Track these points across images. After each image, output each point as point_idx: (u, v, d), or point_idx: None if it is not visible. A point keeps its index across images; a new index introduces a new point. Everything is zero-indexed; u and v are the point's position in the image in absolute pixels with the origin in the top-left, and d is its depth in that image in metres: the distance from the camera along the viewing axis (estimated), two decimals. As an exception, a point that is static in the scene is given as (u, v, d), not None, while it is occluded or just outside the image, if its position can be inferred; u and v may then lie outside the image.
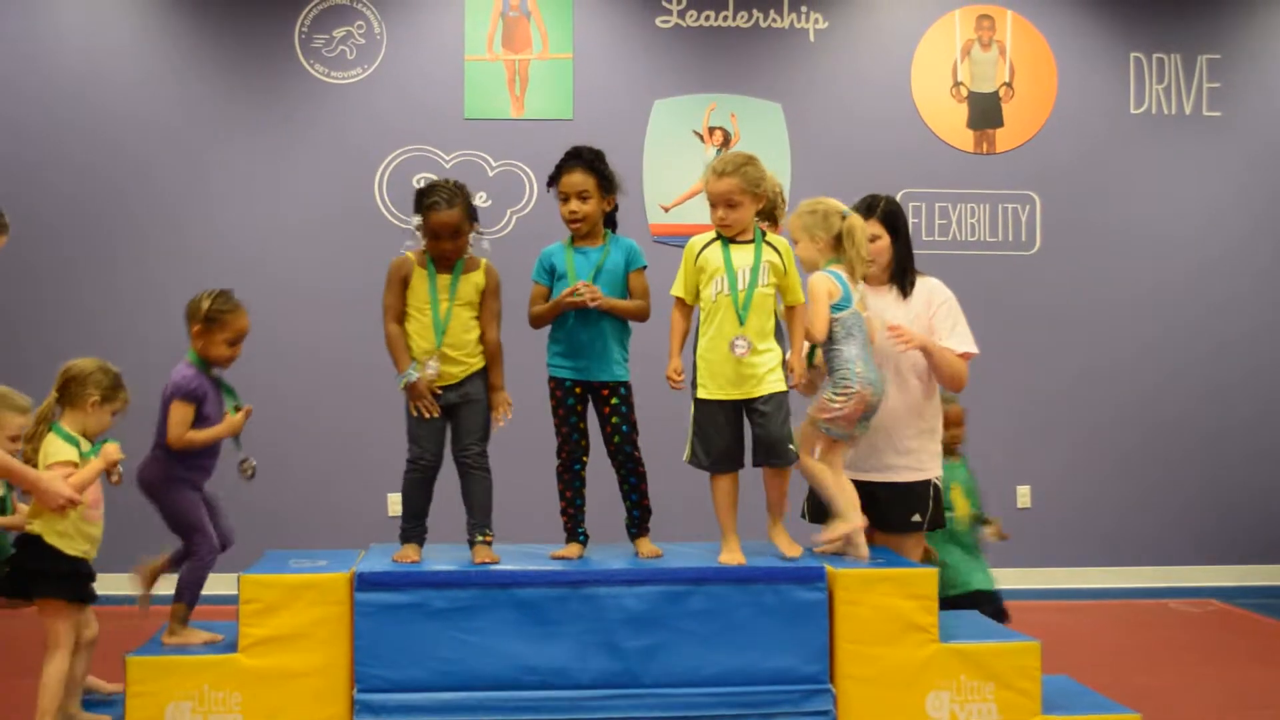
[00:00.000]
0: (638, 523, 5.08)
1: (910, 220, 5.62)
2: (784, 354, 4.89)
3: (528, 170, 8.97)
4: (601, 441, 5.03)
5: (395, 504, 8.22)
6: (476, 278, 4.95)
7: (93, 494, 4.87)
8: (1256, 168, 9.62)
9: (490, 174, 8.93)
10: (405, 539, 4.97)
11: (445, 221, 4.85)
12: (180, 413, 4.81)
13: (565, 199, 4.96)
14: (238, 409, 4.97)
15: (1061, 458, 9.34)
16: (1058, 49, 9.52)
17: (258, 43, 9.11)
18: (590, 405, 5.03)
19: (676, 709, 4.67)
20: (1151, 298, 9.49)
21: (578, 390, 4.98)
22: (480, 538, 4.91)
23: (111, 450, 4.85)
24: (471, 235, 4.96)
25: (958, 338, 5.30)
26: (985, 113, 9.48)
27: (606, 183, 4.97)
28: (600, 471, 5.10)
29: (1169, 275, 9.50)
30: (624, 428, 4.98)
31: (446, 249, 4.89)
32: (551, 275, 5.01)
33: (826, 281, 4.94)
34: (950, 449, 5.78)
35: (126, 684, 4.66)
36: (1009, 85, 9.49)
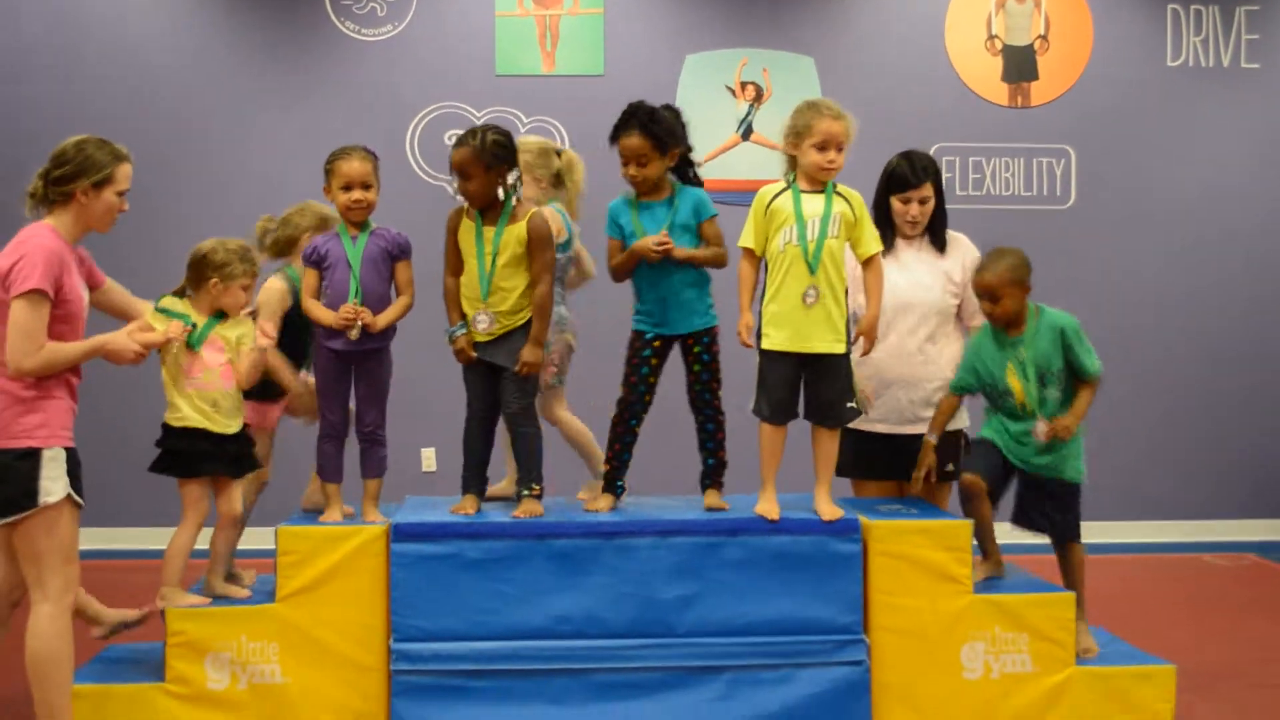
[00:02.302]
0: (711, 473, 5.07)
1: (944, 175, 5.60)
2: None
3: (560, 126, 8.96)
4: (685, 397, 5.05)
5: (430, 459, 8.37)
6: (519, 229, 4.87)
7: (197, 366, 4.78)
8: (1295, 120, 9.55)
9: (522, 130, 8.90)
10: (465, 489, 5.02)
11: (456, 160, 4.87)
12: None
13: (624, 162, 4.92)
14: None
15: (1098, 413, 9.25)
16: (1093, 1, 9.44)
17: (289, 2, 9.13)
18: (667, 361, 5.00)
19: (710, 658, 4.72)
20: (1189, 252, 9.43)
21: (657, 344, 4.95)
22: (526, 492, 4.93)
23: (174, 328, 4.72)
24: (510, 182, 4.91)
25: None
26: (1020, 66, 9.41)
27: (663, 141, 4.87)
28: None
29: (1206, 230, 9.44)
30: (704, 375, 4.97)
31: (466, 190, 4.87)
32: (623, 231, 4.97)
33: (556, 220, 5.03)
34: (998, 324, 5.21)
35: (166, 634, 4.73)
36: (1044, 38, 9.42)
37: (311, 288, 4.93)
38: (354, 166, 4.89)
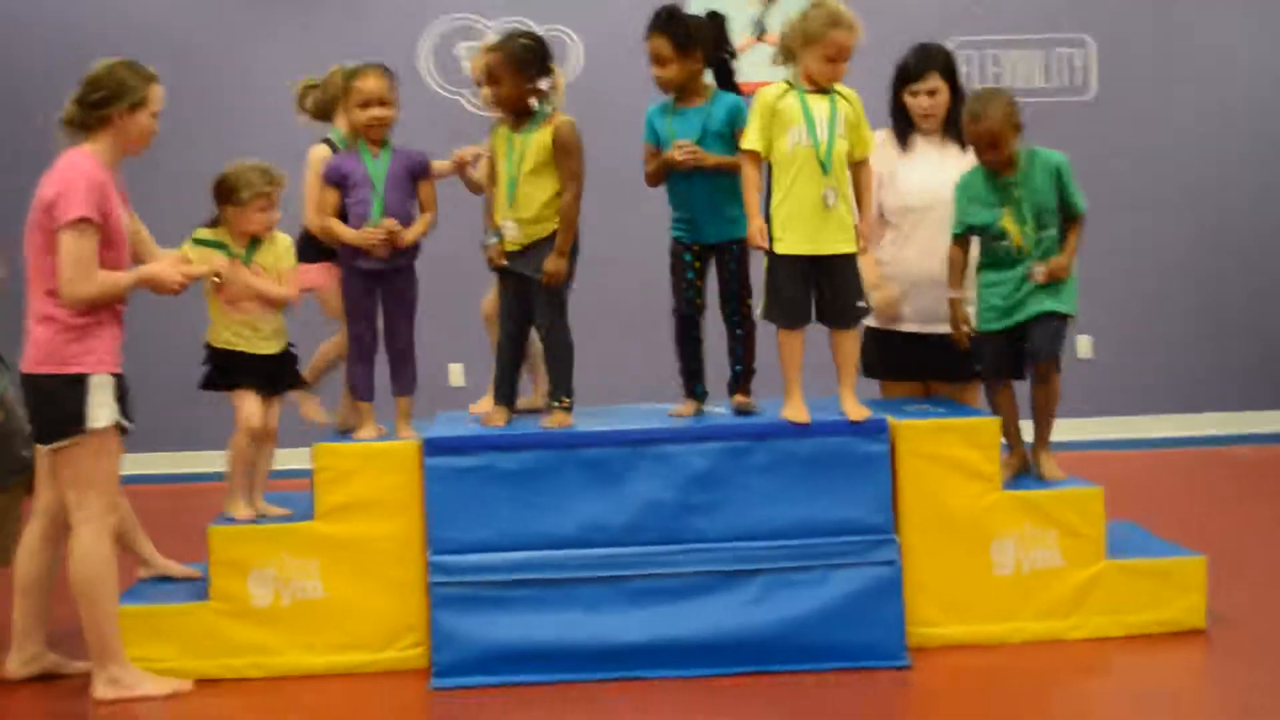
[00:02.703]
0: (738, 380, 5.07)
1: (962, 69, 5.57)
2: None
3: (573, 34, 8.91)
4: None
5: (457, 374, 8.44)
6: (544, 136, 4.85)
7: (236, 292, 4.86)
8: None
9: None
10: (495, 398, 5.07)
11: (486, 64, 4.90)
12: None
13: (652, 62, 4.90)
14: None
15: (1125, 307, 9.31)
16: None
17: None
18: (710, 265, 5.01)
19: (743, 562, 4.77)
20: (1214, 140, 9.38)
21: (695, 248, 4.97)
22: (557, 403, 4.97)
23: (219, 262, 4.81)
24: (541, 88, 4.89)
25: None
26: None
27: (682, 43, 4.84)
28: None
29: (1233, 113, 9.37)
30: (733, 285, 4.97)
31: (497, 96, 4.89)
32: (658, 136, 4.97)
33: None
34: (995, 167, 5.11)
35: (209, 554, 4.82)
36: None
37: (332, 205, 4.96)
38: (370, 84, 4.90)
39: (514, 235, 4.87)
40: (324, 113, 5.39)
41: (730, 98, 4.97)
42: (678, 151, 4.81)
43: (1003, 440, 5.03)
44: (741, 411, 5.01)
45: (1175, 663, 4.73)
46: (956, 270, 5.18)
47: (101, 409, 4.48)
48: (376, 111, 4.90)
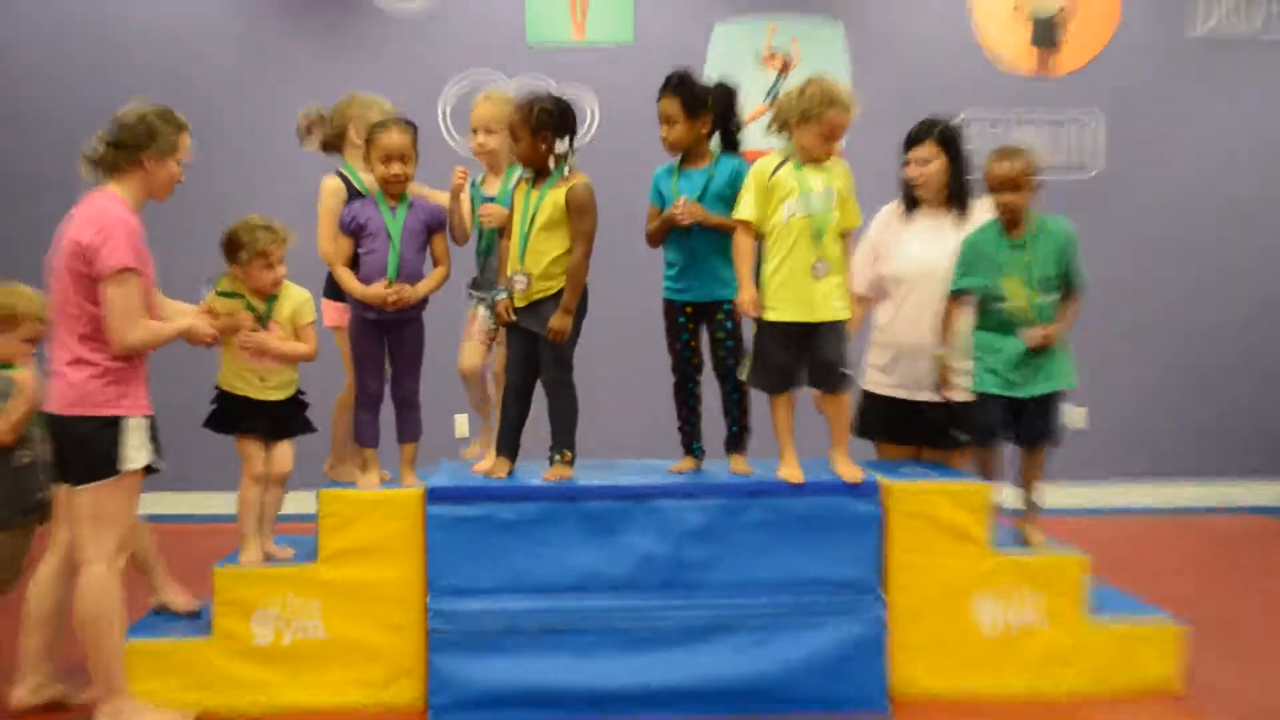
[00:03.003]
0: (734, 440, 5.18)
1: (970, 143, 5.67)
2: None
3: (590, 94, 9.02)
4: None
5: (463, 425, 8.50)
6: (558, 195, 4.93)
7: (255, 350, 4.95)
8: (1322, 87, 9.57)
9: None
10: (498, 451, 5.14)
11: (510, 123, 5.00)
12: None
13: (660, 124, 5.02)
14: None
15: (1118, 380, 9.35)
16: (1121, -33, 9.48)
17: (323, -26, 9.26)
18: (702, 326, 5.11)
19: (735, 613, 4.85)
20: (1213, 221, 9.44)
21: (688, 310, 5.08)
22: (558, 456, 5.05)
23: (244, 319, 4.91)
24: (559, 151, 4.96)
25: None
26: (1046, 34, 9.43)
27: (692, 105, 4.96)
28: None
29: (1229, 193, 9.43)
30: (728, 343, 5.07)
31: (516, 151, 5.01)
32: (662, 198, 5.09)
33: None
34: (1008, 219, 5.19)
35: (214, 593, 4.90)
36: (1071, 5, 9.44)
37: (345, 254, 5.04)
38: (394, 139, 4.96)
39: (523, 288, 4.94)
40: (333, 145, 5.49)
41: (733, 160, 5.07)
42: (679, 208, 4.93)
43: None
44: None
45: (1153, 724, 4.82)
46: (946, 326, 5.25)
47: (137, 450, 4.52)
48: (397, 168, 4.97)
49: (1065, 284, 5.17)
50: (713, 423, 5.26)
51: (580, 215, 4.93)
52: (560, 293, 4.95)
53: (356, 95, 5.41)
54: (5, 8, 9.20)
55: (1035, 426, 5.18)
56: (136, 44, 9.10)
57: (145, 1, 9.18)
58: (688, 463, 5.22)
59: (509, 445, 5.15)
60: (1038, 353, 5.11)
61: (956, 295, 5.25)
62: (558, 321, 4.93)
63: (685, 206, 4.92)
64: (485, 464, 5.17)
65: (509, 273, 4.99)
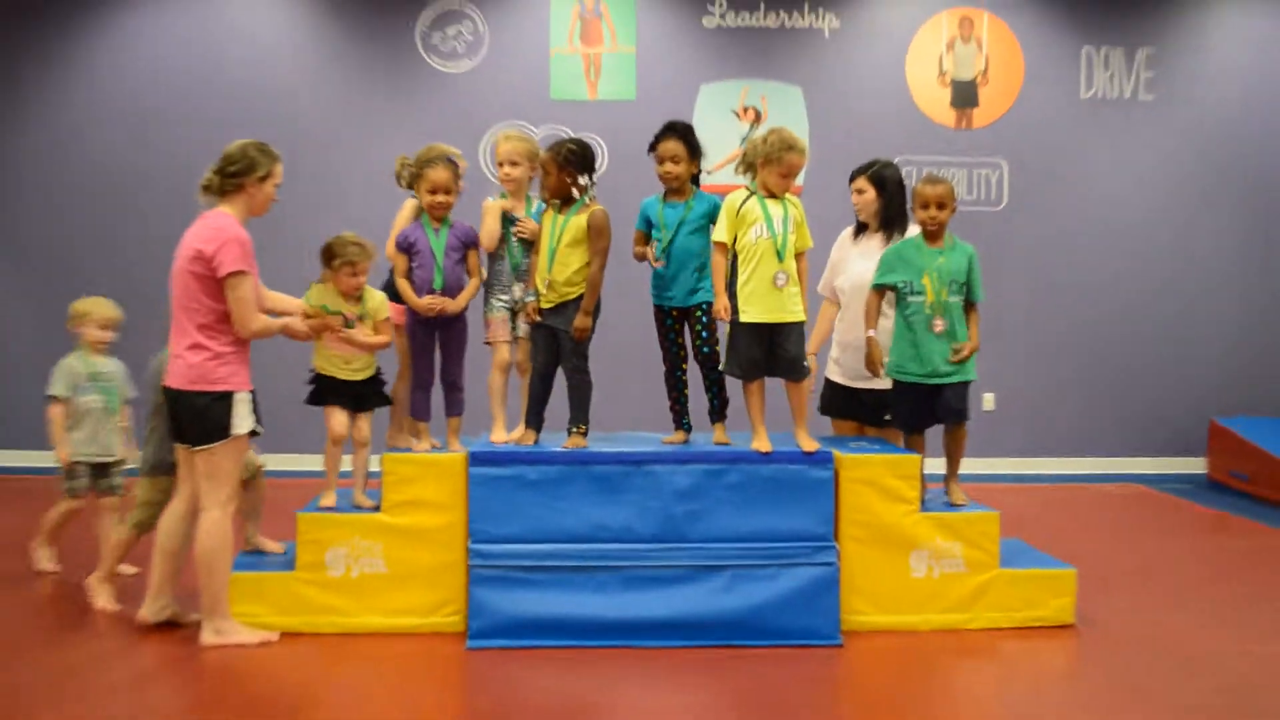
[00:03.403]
0: (717, 410, 5.11)
1: (905, 182, 5.59)
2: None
3: (601, 141, 8.98)
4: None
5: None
6: (580, 220, 4.90)
7: (341, 342, 4.88)
8: (1181, 141, 9.51)
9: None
10: (527, 424, 5.07)
11: (540, 160, 4.98)
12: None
13: (661, 161, 4.96)
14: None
15: (1020, 372, 9.36)
16: (1024, 43, 9.42)
17: (388, 41, 9.17)
18: (685, 324, 5.05)
19: (714, 559, 4.79)
20: (1095, 241, 9.44)
21: (674, 313, 5.02)
22: (575, 429, 4.98)
23: (335, 321, 4.83)
24: (581, 184, 4.93)
25: None
26: (965, 95, 9.41)
27: (693, 150, 4.96)
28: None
29: (1109, 224, 9.44)
30: (704, 334, 5.01)
31: (544, 183, 4.95)
32: (649, 223, 5.03)
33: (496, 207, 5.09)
34: (929, 232, 5.11)
35: (297, 535, 4.83)
36: (984, 73, 9.41)
37: (403, 269, 4.98)
38: (439, 174, 4.94)
39: (546, 293, 4.92)
40: (412, 182, 5.39)
41: (712, 196, 5.03)
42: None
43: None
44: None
45: (1049, 649, 4.75)
46: (871, 313, 5.14)
47: (243, 420, 4.56)
48: (441, 198, 4.94)
49: (968, 298, 5.08)
50: (698, 403, 5.15)
51: (598, 236, 4.91)
52: (580, 297, 4.91)
53: (433, 145, 5.31)
54: (140, 67, 9.12)
55: (951, 408, 5.08)
56: (238, 94, 9.05)
57: (245, 59, 9.13)
58: (678, 435, 5.14)
59: (536, 419, 5.10)
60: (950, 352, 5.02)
61: (878, 289, 5.15)
62: (580, 321, 4.90)
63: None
64: (515, 434, 5.08)
65: (538, 282, 4.93)
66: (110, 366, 5.64)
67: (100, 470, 5.61)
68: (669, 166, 4.96)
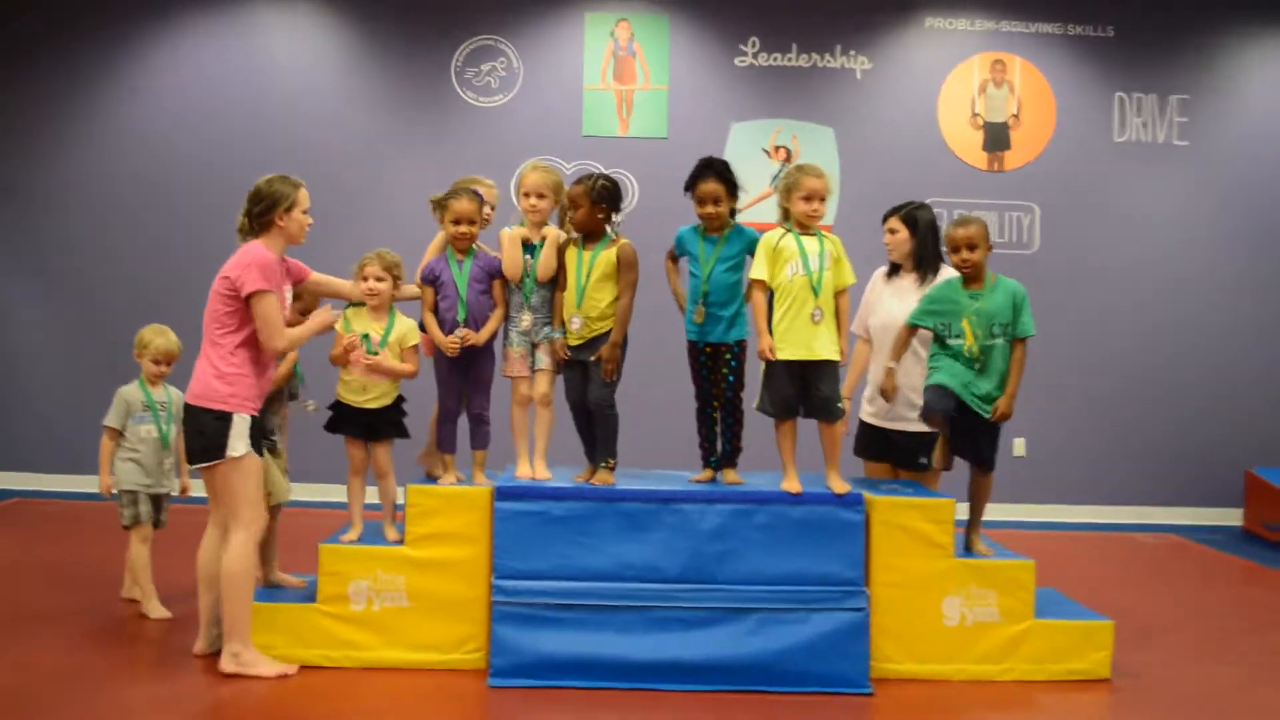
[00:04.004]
0: (728, 457, 4.99)
1: (938, 224, 5.49)
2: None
3: (632, 177, 8.95)
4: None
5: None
6: (610, 254, 4.84)
7: (354, 356, 4.84)
8: (1213, 187, 9.41)
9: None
10: (589, 460, 4.98)
11: (571, 193, 4.87)
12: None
13: (703, 203, 4.85)
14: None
15: (1053, 418, 9.22)
16: (1057, 88, 9.35)
17: (424, 76, 9.17)
18: (717, 361, 4.92)
19: (742, 601, 4.68)
20: (1128, 285, 9.32)
21: (707, 349, 4.90)
22: (603, 464, 4.88)
23: (349, 341, 4.83)
24: (612, 220, 4.88)
25: None
26: (997, 138, 9.33)
27: (733, 188, 4.86)
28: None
29: (1142, 268, 9.33)
30: (730, 378, 4.88)
31: (573, 217, 4.86)
32: (683, 252, 4.92)
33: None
34: (966, 275, 4.97)
35: (319, 567, 4.76)
36: (1016, 116, 9.34)
37: (429, 303, 4.92)
38: (463, 206, 4.89)
39: (579, 328, 4.83)
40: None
41: (751, 231, 4.93)
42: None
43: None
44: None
45: (1085, 703, 4.60)
46: (899, 346, 5.03)
47: (239, 440, 4.54)
48: (464, 228, 4.89)
49: (1015, 333, 4.93)
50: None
51: (629, 269, 4.85)
52: (609, 332, 4.82)
53: (470, 178, 5.24)
54: (183, 96, 9.16)
55: (980, 451, 4.96)
56: (277, 125, 9.09)
57: (285, 90, 9.16)
58: (706, 474, 5.03)
59: (591, 452, 5.00)
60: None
61: (912, 327, 5.03)
62: (608, 352, 4.81)
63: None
64: (541, 472, 4.95)
65: (567, 317, 4.85)
66: (167, 396, 5.57)
67: (154, 502, 5.51)
68: (710, 209, 4.85)
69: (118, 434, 5.47)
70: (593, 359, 4.83)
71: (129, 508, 5.45)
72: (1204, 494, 9.29)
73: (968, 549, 4.99)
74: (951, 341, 4.91)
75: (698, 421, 5.04)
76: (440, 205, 4.95)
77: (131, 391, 5.52)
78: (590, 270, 4.84)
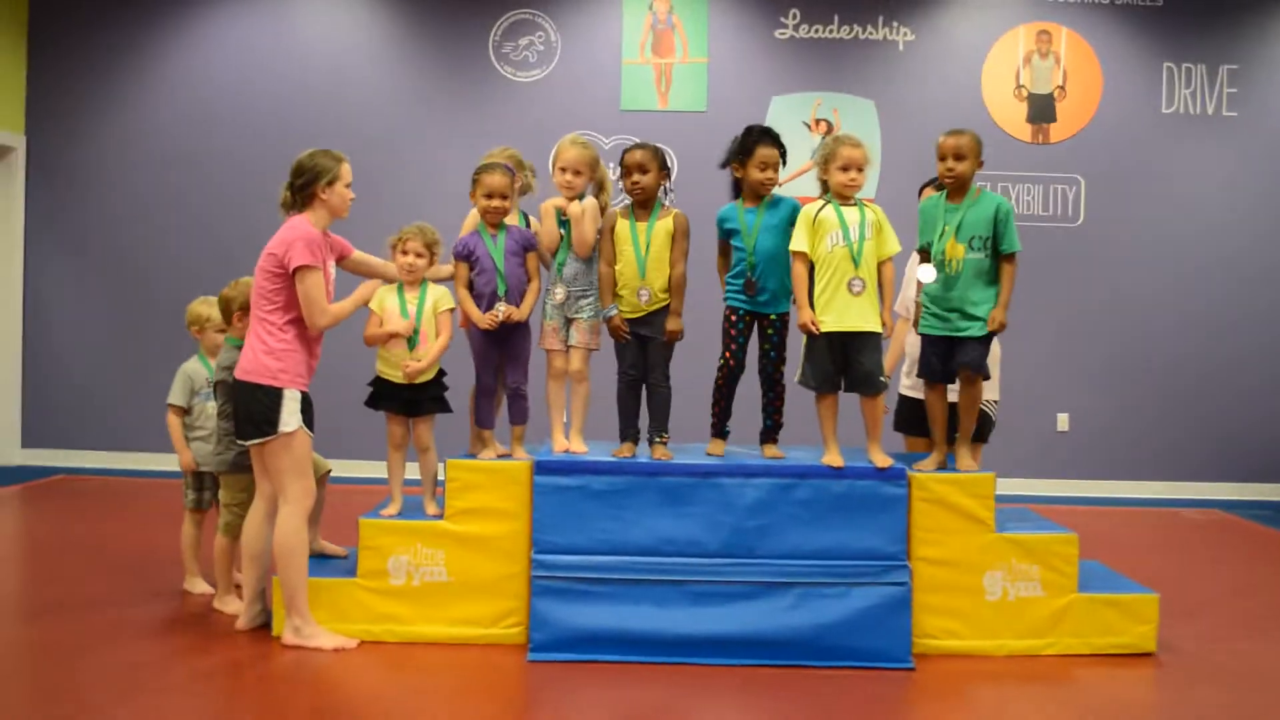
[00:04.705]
0: (770, 431, 4.97)
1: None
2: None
3: (670, 151, 8.84)
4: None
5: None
6: (668, 223, 4.82)
7: (388, 329, 4.87)
8: (1264, 159, 9.23)
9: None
10: (623, 438, 4.95)
11: (637, 158, 4.81)
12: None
13: (764, 168, 4.81)
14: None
15: (1095, 392, 9.14)
16: (1104, 58, 9.20)
17: (461, 50, 9.16)
18: (753, 331, 4.90)
19: (783, 576, 4.66)
20: (1175, 259, 9.19)
21: (747, 316, 4.87)
22: (658, 439, 4.88)
23: (401, 327, 4.85)
24: (662, 188, 4.85)
25: None
26: (1042, 110, 9.20)
27: (784, 156, 4.86)
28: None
29: (1189, 242, 9.20)
30: (773, 354, 4.87)
31: (641, 182, 4.80)
32: (728, 232, 4.87)
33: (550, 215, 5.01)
34: (949, 187, 4.88)
35: (359, 541, 4.78)
36: (1062, 88, 9.20)
37: (464, 279, 4.90)
38: (495, 180, 4.87)
39: (645, 301, 4.80)
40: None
41: (791, 200, 4.90)
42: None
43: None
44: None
45: (1129, 678, 4.55)
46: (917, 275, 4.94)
47: (291, 416, 4.57)
48: (496, 203, 4.86)
49: (1000, 251, 4.78)
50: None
51: (685, 237, 4.86)
52: (667, 305, 4.83)
53: (502, 149, 5.19)
54: (221, 73, 9.22)
55: (968, 357, 4.79)
56: (314, 101, 9.13)
57: (322, 68, 9.19)
58: (719, 445, 4.99)
59: (634, 431, 4.98)
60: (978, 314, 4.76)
61: (921, 251, 4.94)
62: (674, 323, 4.83)
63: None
64: (578, 446, 4.94)
65: (635, 289, 4.81)
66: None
67: (215, 481, 5.33)
68: (770, 174, 4.83)
69: (184, 411, 5.37)
70: (657, 334, 4.82)
71: (194, 491, 5.41)
72: (1250, 469, 9.16)
73: (955, 464, 4.87)
74: (937, 259, 4.81)
75: (717, 392, 4.99)
76: (473, 180, 4.94)
77: (194, 367, 5.41)
78: (649, 241, 4.81)
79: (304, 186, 4.63)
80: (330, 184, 4.64)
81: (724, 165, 4.92)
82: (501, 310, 4.82)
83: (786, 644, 4.58)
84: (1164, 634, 4.84)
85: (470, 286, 4.90)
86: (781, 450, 4.95)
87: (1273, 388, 9.20)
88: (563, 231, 4.91)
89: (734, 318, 4.89)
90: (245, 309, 4.95)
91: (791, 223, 4.82)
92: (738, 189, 4.94)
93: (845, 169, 4.74)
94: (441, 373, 4.97)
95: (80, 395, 9.18)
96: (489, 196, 4.86)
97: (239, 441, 4.71)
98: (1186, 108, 9.23)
